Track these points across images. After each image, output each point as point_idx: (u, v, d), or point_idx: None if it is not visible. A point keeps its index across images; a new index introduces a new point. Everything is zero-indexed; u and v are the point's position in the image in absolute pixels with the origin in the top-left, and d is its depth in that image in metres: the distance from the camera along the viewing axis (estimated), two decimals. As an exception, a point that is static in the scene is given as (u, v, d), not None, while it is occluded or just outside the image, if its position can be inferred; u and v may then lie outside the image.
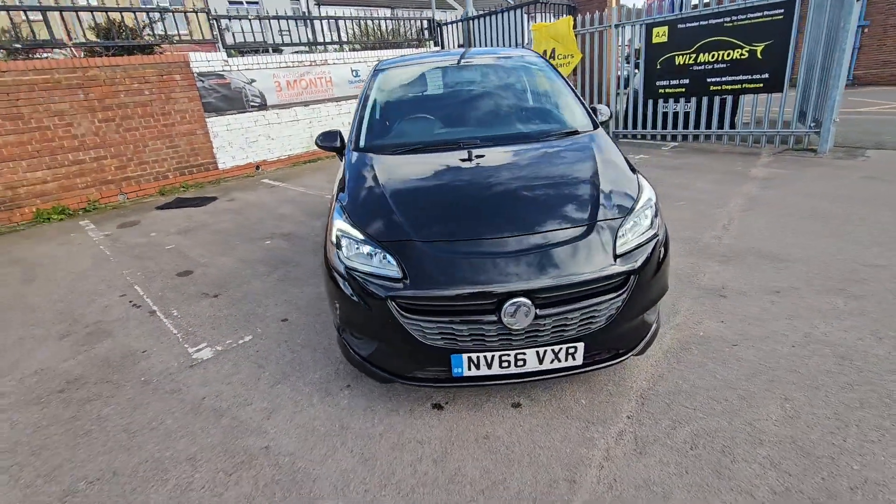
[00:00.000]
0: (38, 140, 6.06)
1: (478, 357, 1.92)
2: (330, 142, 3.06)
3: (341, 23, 9.04)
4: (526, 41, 8.98)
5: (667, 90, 7.14)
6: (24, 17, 6.03)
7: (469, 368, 1.95)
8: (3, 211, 5.99)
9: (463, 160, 2.54)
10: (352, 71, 8.95)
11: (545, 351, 1.92)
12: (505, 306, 1.80)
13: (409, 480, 1.81)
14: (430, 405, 2.21)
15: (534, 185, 2.26)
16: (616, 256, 1.94)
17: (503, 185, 2.29)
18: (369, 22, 10.04)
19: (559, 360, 1.96)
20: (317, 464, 1.93)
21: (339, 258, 2.09)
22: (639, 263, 1.95)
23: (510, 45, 9.37)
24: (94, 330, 3.20)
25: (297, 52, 8.58)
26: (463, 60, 3.53)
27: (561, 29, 8.22)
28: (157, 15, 6.95)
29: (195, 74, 7.16)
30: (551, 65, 3.38)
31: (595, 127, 2.86)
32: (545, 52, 8.54)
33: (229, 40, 7.85)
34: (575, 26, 8.12)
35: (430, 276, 1.89)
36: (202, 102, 7.29)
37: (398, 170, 2.51)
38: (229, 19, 7.61)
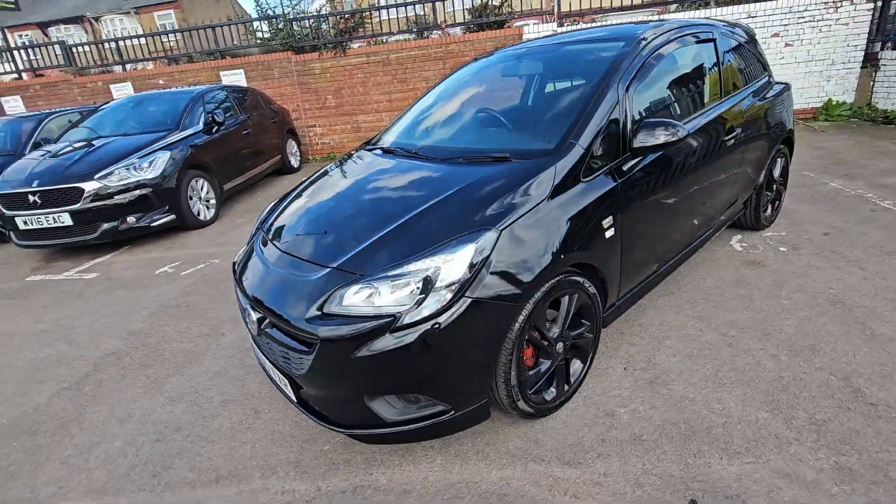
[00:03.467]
0: (411, 97, 8.61)
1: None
2: None
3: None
4: None
5: None
6: (420, 11, 8.41)
7: (258, 349, 2.25)
8: (389, 144, 9.05)
9: (377, 173, 2.41)
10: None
11: (272, 365, 1.97)
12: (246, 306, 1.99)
13: (193, 397, 2.43)
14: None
15: (368, 214, 2.01)
16: (323, 313, 1.67)
17: (355, 208, 2.13)
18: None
19: (282, 384, 1.96)
20: (206, 356, 2.79)
21: None
22: (329, 333, 1.62)
23: None
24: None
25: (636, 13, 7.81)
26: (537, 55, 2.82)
27: None
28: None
29: (524, 45, 7.94)
30: (625, 55, 2.25)
31: (553, 152, 1.95)
32: None
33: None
34: None
35: (239, 259, 2.26)
36: (524, 71, 8.07)
37: (335, 169, 2.66)
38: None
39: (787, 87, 3.47)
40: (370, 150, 2.71)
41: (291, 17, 8.66)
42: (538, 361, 1.94)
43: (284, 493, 1.82)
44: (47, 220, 4.62)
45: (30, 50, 9.91)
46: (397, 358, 1.60)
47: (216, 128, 6.02)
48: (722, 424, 1.91)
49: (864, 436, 1.79)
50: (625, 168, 2.09)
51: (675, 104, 2.48)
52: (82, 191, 4.57)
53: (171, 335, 3.11)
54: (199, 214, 5.46)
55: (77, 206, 4.58)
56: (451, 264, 1.62)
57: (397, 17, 8.46)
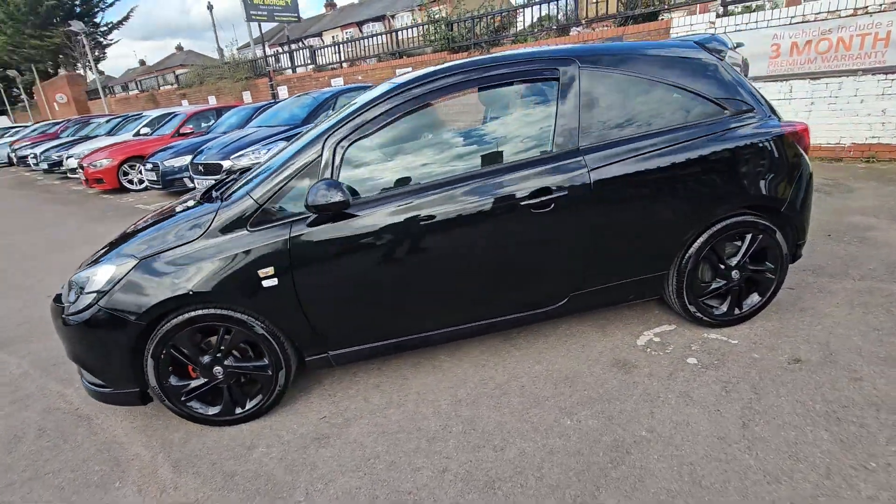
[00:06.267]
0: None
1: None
2: None
3: None
4: None
5: None
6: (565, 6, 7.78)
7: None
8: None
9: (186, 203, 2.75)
10: (955, 16, 4.72)
11: None
12: None
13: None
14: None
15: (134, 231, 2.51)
16: None
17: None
18: None
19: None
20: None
21: None
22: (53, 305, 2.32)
23: None
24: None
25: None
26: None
27: None
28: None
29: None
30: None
31: (236, 198, 2.13)
32: None
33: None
34: None
35: None
36: (667, 72, 6.72)
37: None
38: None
39: (770, 136, 2.31)
40: None
41: (450, 20, 9.32)
42: (198, 377, 2.24)
43: (58, 397, 2.68)
44: (206, 183, 6.70)
45: (292, 54, 13.45)
46: (64, 336, 2.21)
47: (338, 123, 7.29)
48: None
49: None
50: (308, 223, 2.08)
51: (421, 161, 2.17)
52: (222, 166, 6.44)
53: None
54: (306, 192, 6.88)
55: (219, 175, 6.48)
56: (97, 276, 2.11)
57: (540, 15, 8.14)
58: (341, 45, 11.91)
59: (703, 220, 2.35)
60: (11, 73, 33.30)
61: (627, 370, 2.38)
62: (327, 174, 2.10)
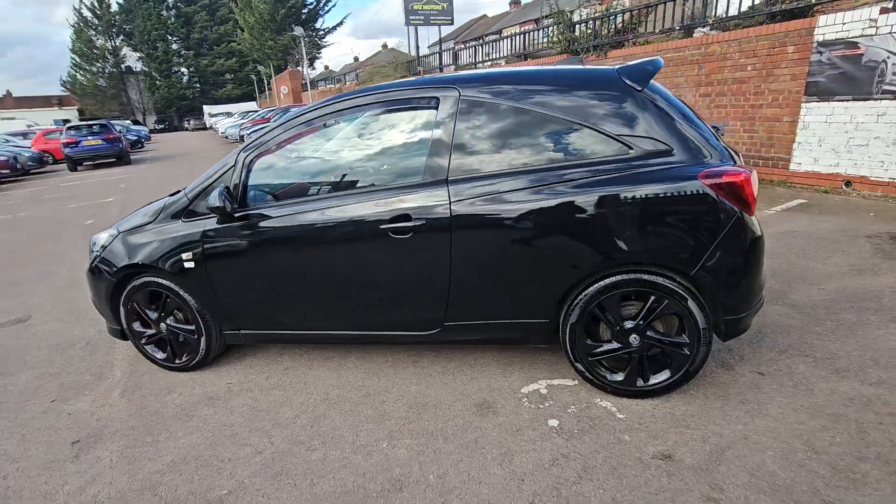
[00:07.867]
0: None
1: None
2: None
3: None
4: None
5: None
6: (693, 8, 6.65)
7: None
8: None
9: None
10: None
11: None
12: None
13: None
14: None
15: None
16: None
17: None
18: None
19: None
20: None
21: None
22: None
23: None
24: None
25: None
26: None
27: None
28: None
29: (814, 44, 5.22)
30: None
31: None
32: None
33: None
34: None
35: None
36: (806, 82, 5.36)
37: None
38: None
39: (679, 185, 1.86)
40: None
41: (572, 21, 8.87)
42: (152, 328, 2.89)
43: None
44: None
45: (441, 54, 14.31)
46: (87, 280, 3.07)
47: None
48: None
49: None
50: (217, 221, 2.50)
51: (311, 179, 2.38)
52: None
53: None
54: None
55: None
56: (100, 238, 2.90)
57: (664, 15, 7.19)
58: (479, 47, 12.32)
59: (582, 272, 2.07)
60: (260, 68, 42.53)
61: (483, 414, 2.27)
62: (236, 182, 2.50)
